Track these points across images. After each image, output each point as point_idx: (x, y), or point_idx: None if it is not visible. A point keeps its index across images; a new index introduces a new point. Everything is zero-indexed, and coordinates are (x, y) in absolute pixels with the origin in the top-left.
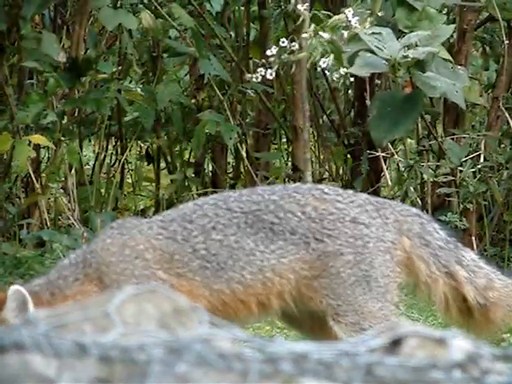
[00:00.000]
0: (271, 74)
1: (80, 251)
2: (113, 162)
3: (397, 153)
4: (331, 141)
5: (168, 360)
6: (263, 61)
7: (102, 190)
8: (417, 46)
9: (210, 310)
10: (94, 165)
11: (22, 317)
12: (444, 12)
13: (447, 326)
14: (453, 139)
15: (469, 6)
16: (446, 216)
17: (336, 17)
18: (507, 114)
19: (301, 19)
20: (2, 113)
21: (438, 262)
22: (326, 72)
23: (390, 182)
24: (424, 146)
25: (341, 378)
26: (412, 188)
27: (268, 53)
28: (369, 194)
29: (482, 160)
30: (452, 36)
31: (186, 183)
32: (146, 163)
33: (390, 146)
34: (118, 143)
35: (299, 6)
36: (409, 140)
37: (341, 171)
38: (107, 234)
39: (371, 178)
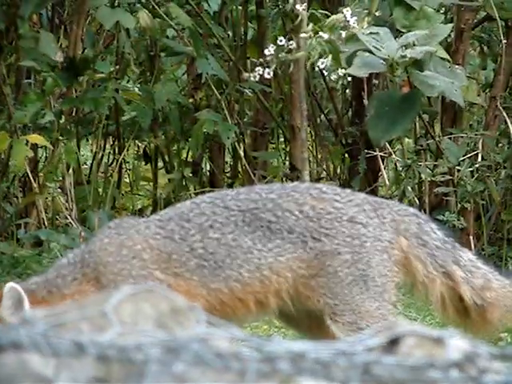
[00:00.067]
0: (269, 74)
1: (78, 250)
2: (110, 161)
3: (394, 152)
4: (329, 140)
5: (165, 359)
6: (261, 60)
7: (100, 190)
8: (414, 45)
9: (208, 310)
10: (91, 164)
11: (18, 315)
12: (442, 11)
13: (445, 325)
14: (450, 138)
15: (466, 6)
16: (443, 215)
17: (334, 17)
18: (505, 114)
19: (299, 19)
20: None
21: (435, 262)
22: (324, 72)
23: (387, 182)
24: (422, 146)
25: (338, 377)
26: (410, 187)
27: (266, 52)
28: (366, 193)
29: (479, 159)
30: (450, 35)
31: (184, 183)
32: (143, 162)
33: (387, 145)
34: (116, 143)
35: (297, 6)
36: (406, 139)
37: (338, 170)
38: (105, 234)
39: (369, 177)
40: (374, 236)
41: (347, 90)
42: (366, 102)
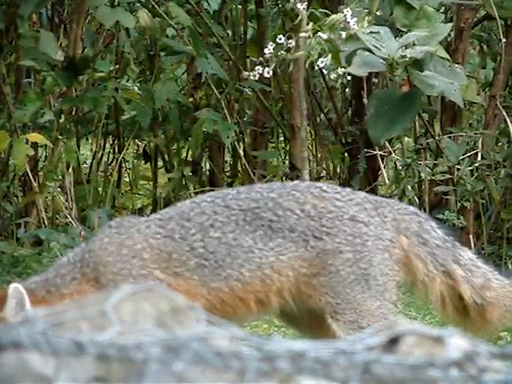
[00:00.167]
0: (269, 73)
1: (79, 250)
2: (110, 160)
3: (394, 151)
4: (328, 139)
5: (165, 358)
6: (261, 59)
7: (100, 189)
8: (414, 45)
9: (208, 309)
10: (91, 163)
11: (20, 315)
12: (441, 10)
13: (444, 324)
14: (450, 137)
15: (466, 5)
16: (443, 214)
17: (334, 16)
18: (504, 113)
19: (299, 18)
20: None
21: (435, 261)
22: (324, 71)
23: (387, 181)
24: (421, 145)
25: (338, 376)
26: (409, 186)
27: (266, 51)
28: (366, 192)
29: (479, 158)
30: (449, 34)
31: (184, 182)
32: (143, 162)
33: (387, 144)
34: (116, 142)
35: (297, 5)
36: (406, 138)
37: (338, 170)
38: (105, 233)
39: (368, 176)
40: (376, 235)
41: (347, 89)
42: (365, 101)
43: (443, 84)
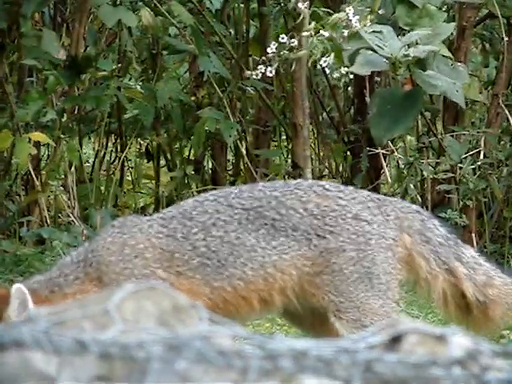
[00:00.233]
0: (271, 72)
1: (82, 249)
2: (112, 159)
3: (397, 150)
4: (331, 138)
5: (168, 357)
6: (263, 58)
7: (102, 188)
8: (417, 44)
9: (211, 308)
10: (93, 162)
11: (23, 315)
12: (444, 9)
13: (447, 323)
14: (452, 136)
15: (468, 3)
16: (445, 213)
17: (336, 15)
18: (507, 111)
19: (301, 17)
20: (1, 110)
21: (438, 259)
22: (327, 70)
23: (389, 179)
24: (424, 143)
25: (340, 375)
26: (412, 185)
27: (268, 50)
28: (368, 191)
29: (481, 157)
30: (452, 33)
31: (186, 180)
32: (145, 161)
33: (389, 143)
34: (118, 141)
35: (300, 4)
36: (408, 137)
37: (340, 168)
38: (108, 233)
39: (371, 175)
40: (379, 233)
41: (349, 88)
42: (368, 99)
43: (446, 84)
